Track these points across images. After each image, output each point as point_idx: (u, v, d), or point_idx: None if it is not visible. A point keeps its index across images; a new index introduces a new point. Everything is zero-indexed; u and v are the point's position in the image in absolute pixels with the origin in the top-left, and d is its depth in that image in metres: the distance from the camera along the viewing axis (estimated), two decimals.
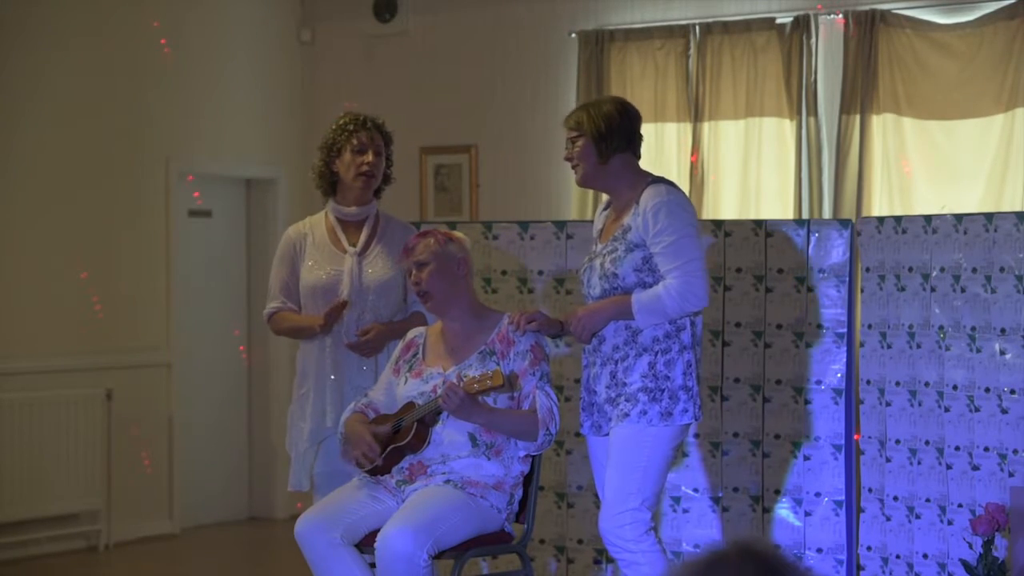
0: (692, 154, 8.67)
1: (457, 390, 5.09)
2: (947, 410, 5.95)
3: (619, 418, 5.19)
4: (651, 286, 5.19)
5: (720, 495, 6.36)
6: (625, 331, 5.22)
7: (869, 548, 6.24)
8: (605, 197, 5.54)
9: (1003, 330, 5.82)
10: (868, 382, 6.25)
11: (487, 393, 5.15)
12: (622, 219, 5.29)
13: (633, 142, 5.34)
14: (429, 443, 5.27)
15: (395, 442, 5.29)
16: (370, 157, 5.81)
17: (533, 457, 5.38)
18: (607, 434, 5.27)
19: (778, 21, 8.58)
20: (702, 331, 5.42)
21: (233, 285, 9.92)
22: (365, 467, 5.31)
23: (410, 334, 5.51)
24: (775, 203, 8.57)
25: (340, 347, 5.75)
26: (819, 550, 6.29)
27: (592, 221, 5.68)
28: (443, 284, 5.33)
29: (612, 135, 5.27)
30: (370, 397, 5.47)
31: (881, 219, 6.33)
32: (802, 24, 8.49)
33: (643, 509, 5.14)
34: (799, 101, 8.47)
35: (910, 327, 6.09)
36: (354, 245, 5.82)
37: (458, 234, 5.49)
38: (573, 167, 5.35)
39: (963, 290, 5.92)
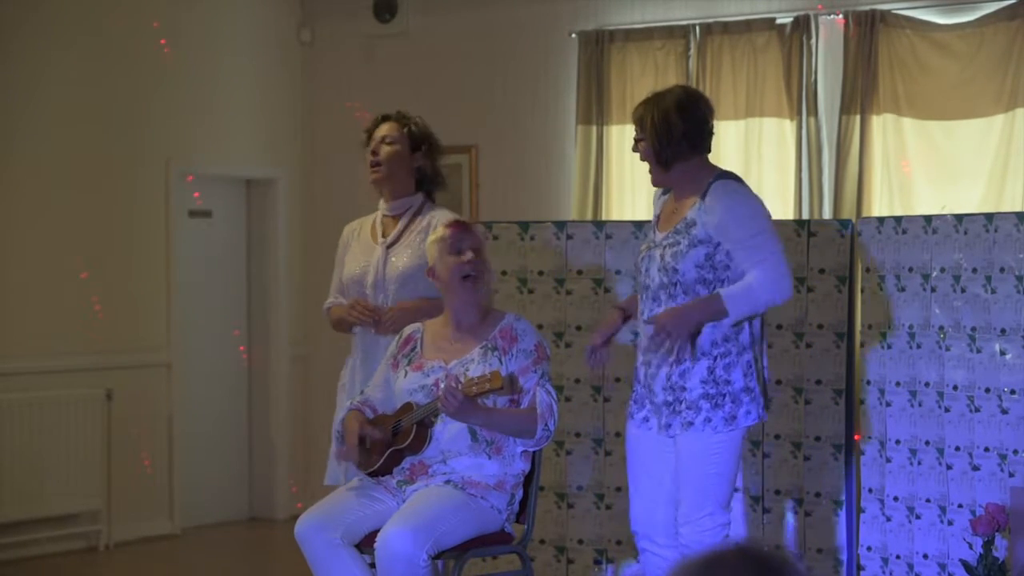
0: None
1: (456, 393, 5.09)
2: (947, 410, 5.95)
3: (683, 427, 5.16)
4: (711, 283, 5.14)
5: None
6: None
7: (869, 548, 6.24)
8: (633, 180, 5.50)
9: (1003, 330, 5.82)
10: (868, 382, 6.25)
11: (486, 395, 5.15)
12: (683, 211, 5.21)
13: (698, 145, 5.23)
14: (430, 443, 5.27)
15: (395, 444, 5.29)
16: (375, 146, 5.89)
17: (533, 456, 5.38)
18: (672, 436, 5.22)
19: (778, 21, 8.58)
20: (760, 329, 5.28)
21: (233, 285, 9.92)
22: (366, 463, 5.32)
23: (407, 329, 5.51)
24: (775, 203, 8.56)
25: (367, 337, 5.86)
26: (819, 550, 6.29)
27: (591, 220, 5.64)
28: (490, 278, 5.47)
29: (672, 143, 5.17)
30: (366, 394, 5.47)
31: (881, 219, 6.33)
32: (802, 24, 8.48)
33: (720, 511, 5.18)
34: (799, 101, 8.47)
35: (910, 327, 6.09)
36: (386, 237, 5.87)
37: None
38: (646, 162, 5.29)
39: (963, 290, 5.92)
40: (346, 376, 5.97)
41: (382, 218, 5.96)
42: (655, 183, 5.34)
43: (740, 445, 5.23)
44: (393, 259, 5.85)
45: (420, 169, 5.94)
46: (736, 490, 6.34)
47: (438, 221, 5.75)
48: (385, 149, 5.91)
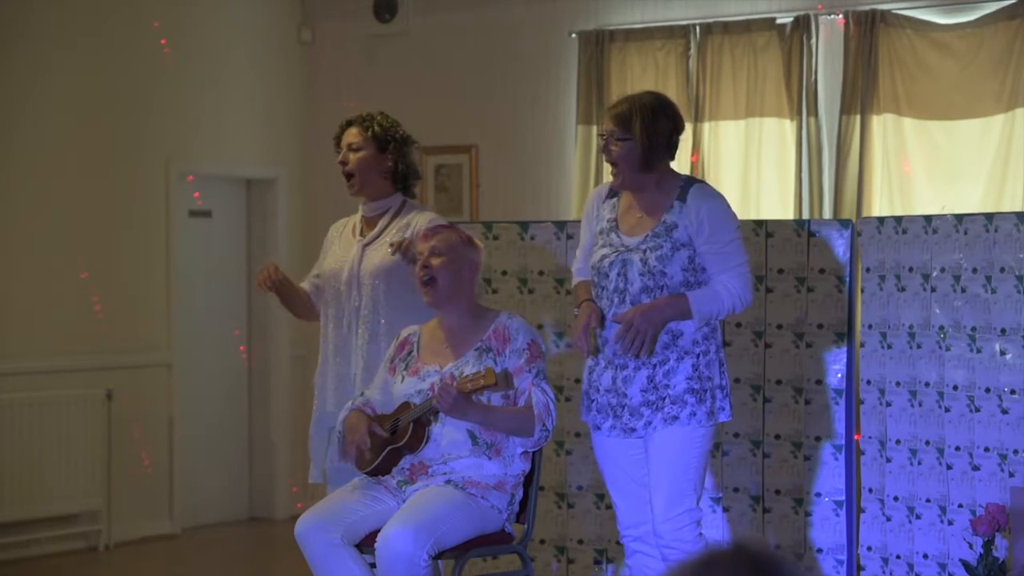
0: (692, 154, 8.66)
1: (450, 389, 5.09)
2: (947, 410, 5.95)
3: (667, 421, 5.18)
4: (693, 285, 5.19)
5: (720, 495, 6.35)
6: (665, 335, 5.19)
7: (869, 548, 6.24)
8: (606, 182, 5.50)
9: (1003, 330, 5.81)
10: (868, 382, 6.25)
11: (480, 392, 5.15)
12: (657, 214, 5.23)
13: (675, 149, 5.31)
14: (427, 442, 5.27)
15: (393, 443, 5.28)
16: (343, 156, 5.93)
17: (533, 456, 5.38)
18: (640, 437, 5.25)
19: (778, 21, 8.58)
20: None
21: (233, 285, 9.91)
22: (363, 462, 5.31)
23: (404, 332, 5.52)
24: (775, 203, 8.57)
25: (340, 333, 5.85)
26: (819, 550, 6.28)
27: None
28: (449, 279, 5.33)
29: (659, 145, 5.21)
30: (366, 396, 5.47)
31: (881, 219, 6.33)
32: (802, 24, 8.48)
33: (696, 507, 5.23)
34: (799, 101, 8.47)
35: (910, 327, 6.08)
36: (364, 237, 5.90)
37: (479, 242, 5.50)
38: (611, 163, 5.25)
39: (963, 290, 5.92)
40: (319, 372, 5.98)
41: (362, 219, 5.99)
42: (625, 186, 5.29)
43: (713, 440, 5.32)
44: (369, 256, 5.86)
45: (392, 168, 5.94)
46: (736, 490, 6.35)
47: (417, 221, 5.80)
48: (352, 157, 5.92)
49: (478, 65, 9.53)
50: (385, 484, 5.32)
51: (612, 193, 5.39)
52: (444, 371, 5.31)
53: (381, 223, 5.92)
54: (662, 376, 5.19)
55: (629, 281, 5.22)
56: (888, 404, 6.15)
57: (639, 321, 5.12)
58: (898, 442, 6.12)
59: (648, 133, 5.19)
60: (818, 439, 6.29)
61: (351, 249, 5.92)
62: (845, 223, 6.36)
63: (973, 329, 5.89)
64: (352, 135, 5.95)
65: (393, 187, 5.94)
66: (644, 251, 5.20)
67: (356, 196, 5.99)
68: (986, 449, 5.84)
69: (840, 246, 6.29)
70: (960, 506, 5.90)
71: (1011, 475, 5.76)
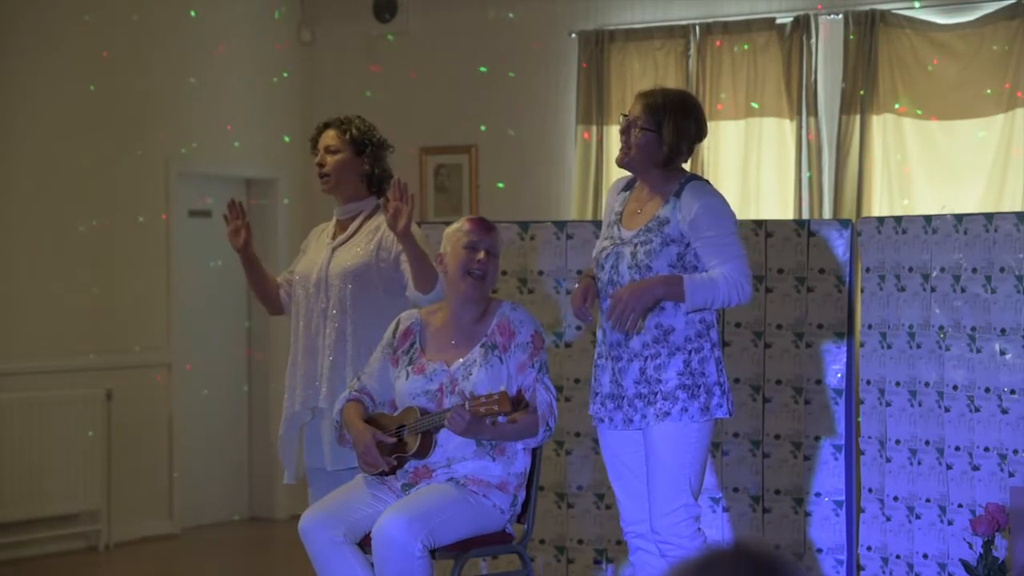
0: None
1: (464, 414, 5.09)
2: (947, 410, 5.95)
3: (659, 417, 5.18)
4: None
5: (720, 495, 6.36)
6: (655, 329, 5.20)
7: (869, 548, 6.24)
8: (620, 175, 5.51)
9: (1003, 330, 5.82)
10: (868, 382, 6.25)
11: (493, 416, 5.15)
12: (653, 209, 5.25)
13: (692, 152, 5.40)
14: (434, 448, 5.28)
15: (399, 451, 5.30)
16: (321, 157, 5.94)
17: (533, 454, 5.39)
18: (639, 429, 5.26)
19: (778, 21, 8.59)
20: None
21: (233, 285, 9.91)
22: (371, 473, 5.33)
23: (404, 321, 5.50)
24: (775, 203, 8.57)
25: (309, 334, 5.88)
26: (819, 550, 6.29)
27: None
28: (493, 280, 5.42)
29: (684, 150, 5.27)
30: (363, 382, 5.47)
31: (881, 219, 6.33)
32: (802, 24, 8.49)
33: (694, 504, 5.22)
34: (799, 101, 8.47)
35: (910, 327, 6.09)
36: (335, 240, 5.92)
37: None
38: (625, 144, 5.27)
39: (963, 290, 5.92)
40: (287, 378, 6.01)
41: (336, 222, 6.00)
42: (629, 166, 5.30)
43: (711, 438, 5.29)
44: (338, 257, 5.87)
45: (368, 172, 5.96)
46: (735, 490, 6.35)
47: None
48: (330, 159, 5.93)
49: (478, 65, 9.53)
50: (389, 484, 5.33)
51: (627, 186, 5.41)
52: (452, 369, 5.31)
53: (353, 226, 5.94)
54: (653, 370, 5.20)
55: (620, 274, 5.24)
56: (888, 404, 6.16)
57: (628, 296, 5.13)
58: (898, 442, 6.12)
59: (677, 134, 5.22)
60: (818, 439, 6.29)
61: (322, 252, 5.94)
62: (845, 223, 6.36)
63: (973, 329, 5.89)
64: (330, 137, 5.95)
65: (368, 190, 5.96)
66: (635, 245, 5.23)
67: (328, 194, 6.00)
68: (986, 449, 5.84)
69: (840, 246, 6.29)
70: (960, 506, 5.91)
71: (1011, 475, 5.76)
